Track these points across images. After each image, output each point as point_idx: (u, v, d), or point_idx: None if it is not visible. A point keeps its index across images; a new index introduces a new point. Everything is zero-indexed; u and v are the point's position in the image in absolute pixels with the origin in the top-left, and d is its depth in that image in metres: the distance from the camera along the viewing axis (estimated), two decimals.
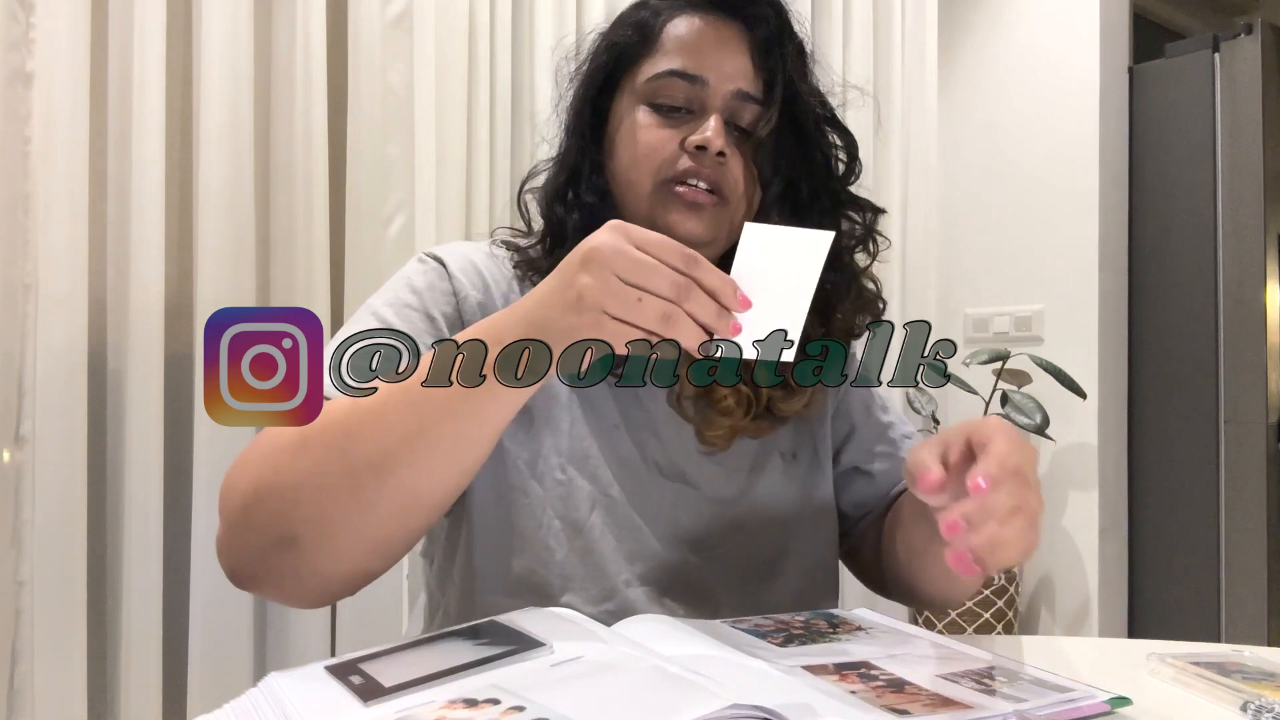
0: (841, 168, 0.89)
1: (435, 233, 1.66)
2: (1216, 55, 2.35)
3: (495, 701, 0.51)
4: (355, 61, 1.61)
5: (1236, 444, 2.33)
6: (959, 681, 0.60)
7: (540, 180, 0.93)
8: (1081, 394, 2.26)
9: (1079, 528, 2.42)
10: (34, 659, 1.32)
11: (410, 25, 1.63)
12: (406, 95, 1.63)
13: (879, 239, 0.91)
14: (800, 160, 0.85)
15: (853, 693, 0.57)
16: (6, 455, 1.33)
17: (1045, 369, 2.27)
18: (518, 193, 0.95)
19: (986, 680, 0.61)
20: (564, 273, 0.61)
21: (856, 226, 0.90)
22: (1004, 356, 2.30)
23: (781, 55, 0.84)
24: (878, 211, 0.91)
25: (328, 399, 0.68)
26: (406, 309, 0.81)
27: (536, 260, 0.86)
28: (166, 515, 1.43)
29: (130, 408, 1.40)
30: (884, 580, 0.94)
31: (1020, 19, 2.54)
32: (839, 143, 0.88)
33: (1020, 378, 2.32)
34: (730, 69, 0.83)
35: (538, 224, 0.91)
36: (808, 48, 0.88)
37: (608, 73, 0.86)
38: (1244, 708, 0.60)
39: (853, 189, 0.90)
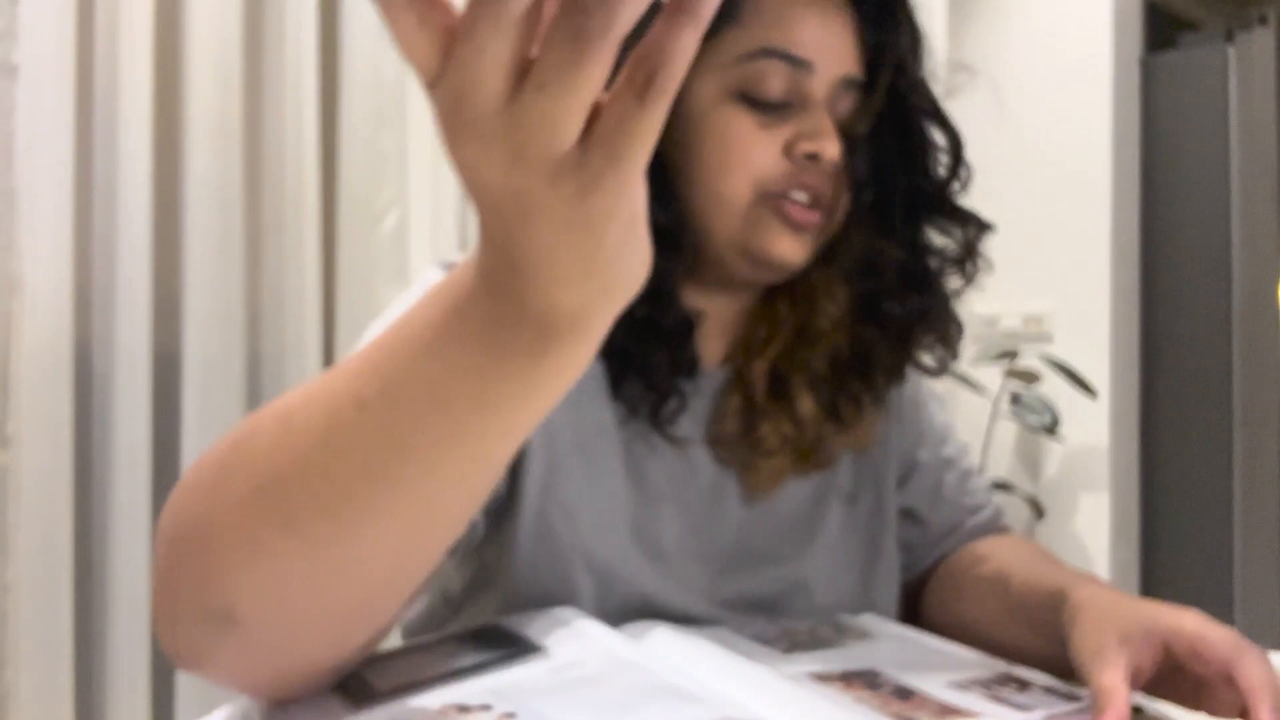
0: (943, 171, 0.74)
1: (430, 229, 1.64)
2: (1230, 46, 2.32)
3: (488, 707, 0.49)
4: (347, 52, 1.59)
5: (1251, 445, 2.30)
6: (968, 690, 0.59)
7: None
8: (1092, 393, 2.23)
9: (1090, 531, 2.39)
10: (19, 665, 1.30)
11: None
12: (400, 86, 1.61)
13: (978, 260, 0.76)
14: (897, 162, 0.73)
15: (859, 701, 0.56)
16: None
17: (1055, 368, 2.24)
18: None
19: (996, 688, 0.59)
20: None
21: (951, 243, 0.76)
22: (1013, 355, 2.27)
23: (894, 33, 0.71)
24: (982, 227, 0.76)
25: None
26: None
27: None
28: (154, 518, 1.41)
29: (117, 407, 1.38)
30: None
31: (1030, 9, 2.52)
32: (942, 142, 0.74)
33: (1029, 377, 2.29)
34: (837, 49, 0.68)
35: None
36: (923, 35, 0.73)
37: None
38: None
39: (958, 196, 0.76)
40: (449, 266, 0.71)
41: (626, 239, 0.34)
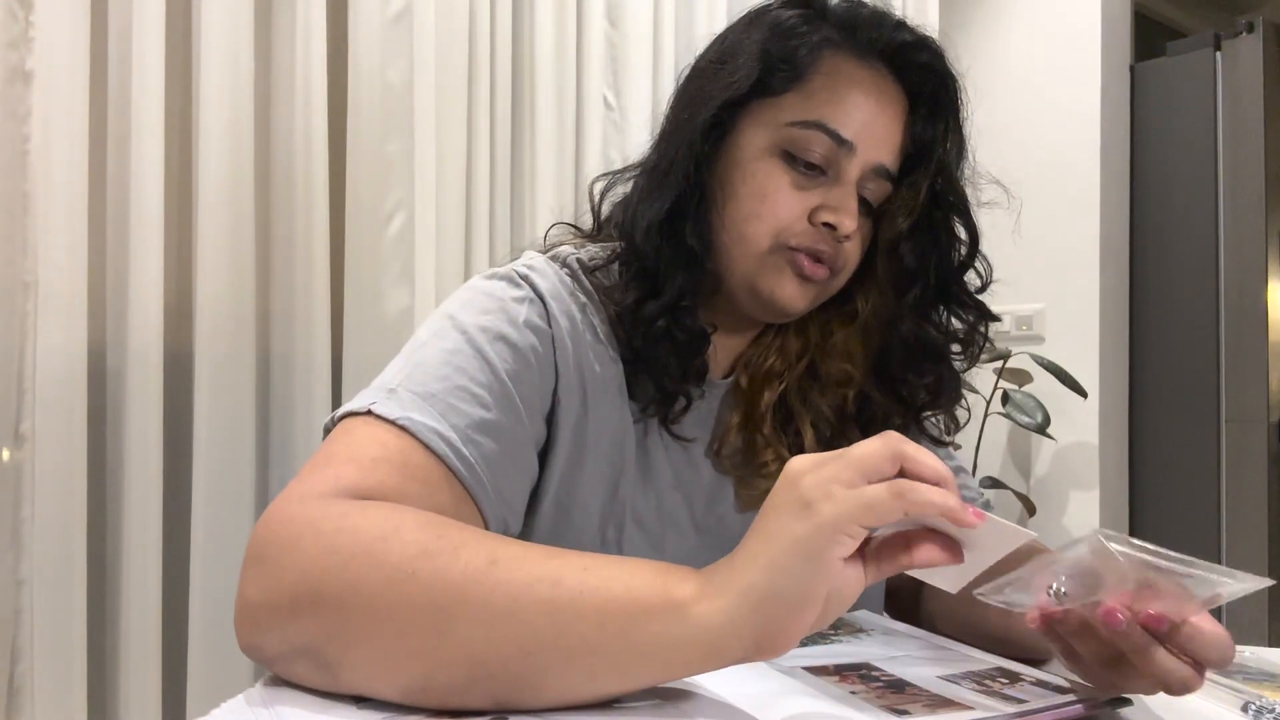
0: (958, 259, 0.80)
1: (435, 231, 1.65)
2: (1218, 53, 2.34)
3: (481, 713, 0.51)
4: (355, 59, 1.60)
5: (1237, 443, 2.32)
6: (960, 683, 0.60)
7: (618, 182, 0.84)
8: (1082, 393, 2.26)
9: (1080, 527, 2.42)
10: (33, 658, 1.32)
11: (410, 23, 1.62)
12: (406, 93, 1.62)
13: (981, 344, 0.83)
14: (922, 247, 0.78)
15: (853, 693, 0.57)
16: (6, 454, 1.33)
17: (1046, 368, 2.27)
18: (592, 185, 0.87)
19: (988, 681, 0.61)
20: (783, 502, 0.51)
21: (961, 327, 0.82)
22: (1005, 355, 2.29)
23: (941, 134, 0.77)
24: (989, 317, 0.82)
25: (433, 450, 0.63)
26: (501, 343, 0.70)
27: (612, 290, 0.77)
28: (166, 514, 1.43)
29: (130, 406, 1.40)
30: (918, 622, 0.84)
31: (1021, 17, 2.54)
32: (963, 236, 0.80)
33: (1021, 377, 2.32)
34: (879, 137, 0.75)
35: (593, 227, 0.86)
36: (967, 137, 0.79)
37: (741, 94, 0.75)
38: (1245, 708, 0.59)
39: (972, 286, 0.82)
40: (491, 278, 0.77)
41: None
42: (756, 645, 0.49)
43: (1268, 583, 0.50)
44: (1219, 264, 2.34)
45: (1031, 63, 2.50)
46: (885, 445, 0.49)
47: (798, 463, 0.51)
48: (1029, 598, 0.55)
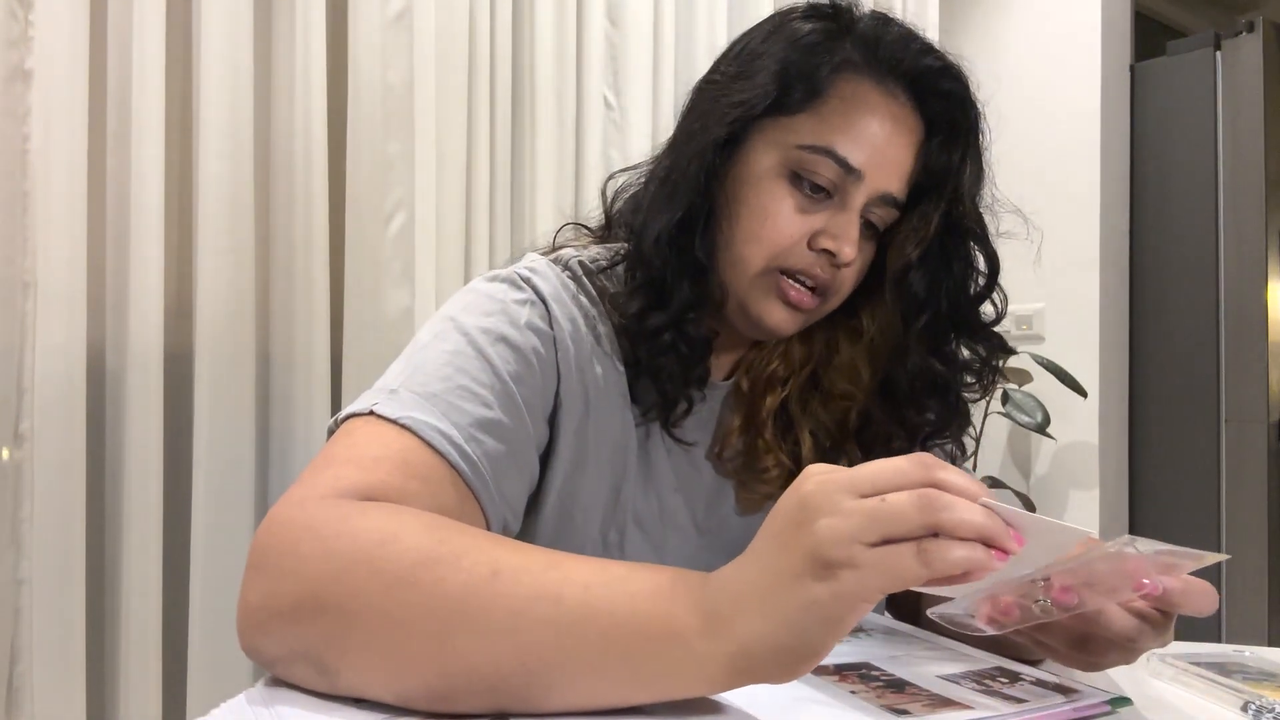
0: (977, 291, 0.78)
1: (435, 231, 1.66)
2: (1218, 53, 2.35)
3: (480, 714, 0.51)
4: (355, 59, 1.60)
5: (1237, 443, 2.32)
6: (960, 682, 0.60)
7: (628, 180, 0.84)
8: (1082, 393, 2.26)
9: (1080, 527, 2.42)
10: (33, 658, 1.32)
11: (410, 23, 1.63)
12: (406, 93, 1.62)
13: (995, 377, 0.81)
14: (936, 274, 0.77)
15: (853, 693, 0.57)
16: (5, 453, 1.33)
17: (1046, 367, 2.27)
18: (605, 183, 0.87)
19: (987, 681, 0.61)
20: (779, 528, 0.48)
21: (975, 360, 0.80)
22: None
23: (958, 160, 0.76)
24: (1003, 350, 0.81)
25: (435, 448, 0.62)
26: (503, 344, 0.70)
27: (616, 297, 0.76)
28: (166, 514, 1.43)
29: (130, 406, 1.41)
30: (918, 623, 0.85)
31: (1021, 17, 2.54)
32: (982, 267, 0.78)
33: (1021, 376, 2.32)
34: (888, 166, 0.74)
35: (601, 226, 0.85)
36: (985, 165, 0.78)
37: (755, 114, 0.74)
38: (1245, 708, 0.60)
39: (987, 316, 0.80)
40: (492, 280, 0.76)
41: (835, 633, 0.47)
42: (761, 681, 0.48)
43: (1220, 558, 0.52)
44: (1219, 264, 2.35)
45: (1031, 62, 2.50)
46: (918, 504, 0.45)
47: (813, 495, 0.47)
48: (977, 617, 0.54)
